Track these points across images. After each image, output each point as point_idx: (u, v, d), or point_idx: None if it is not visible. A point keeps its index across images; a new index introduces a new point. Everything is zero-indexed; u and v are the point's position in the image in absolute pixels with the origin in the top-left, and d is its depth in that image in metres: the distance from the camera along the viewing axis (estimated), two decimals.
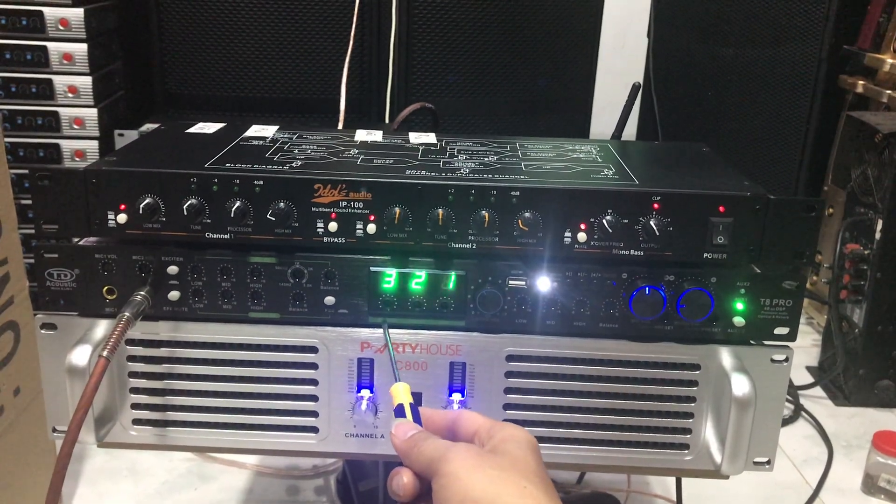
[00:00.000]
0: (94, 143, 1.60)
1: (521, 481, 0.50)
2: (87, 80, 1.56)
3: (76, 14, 1.53)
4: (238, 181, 0.68)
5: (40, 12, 1.52)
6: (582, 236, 0.68)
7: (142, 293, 0.68)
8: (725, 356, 0.70)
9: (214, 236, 0.69)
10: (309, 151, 0.77)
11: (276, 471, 1.35)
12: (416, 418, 0.59)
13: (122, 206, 0.68)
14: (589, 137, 1.89)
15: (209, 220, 0.68)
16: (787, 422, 1.58)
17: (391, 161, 0.75)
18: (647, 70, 1.97)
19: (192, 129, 0.85)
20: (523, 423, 0.72)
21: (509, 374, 0.71)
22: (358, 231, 0.69)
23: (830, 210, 1.88)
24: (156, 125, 0.98)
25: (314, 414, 0.72)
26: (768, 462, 0.72)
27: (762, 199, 0.68)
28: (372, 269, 0.69)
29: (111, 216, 0.68)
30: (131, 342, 0.70)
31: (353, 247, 0.69)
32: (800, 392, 1.66)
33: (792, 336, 0.71)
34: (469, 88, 1.64)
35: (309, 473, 1.35)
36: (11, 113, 1.56)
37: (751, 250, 0.69)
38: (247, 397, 0.72)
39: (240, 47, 1.57)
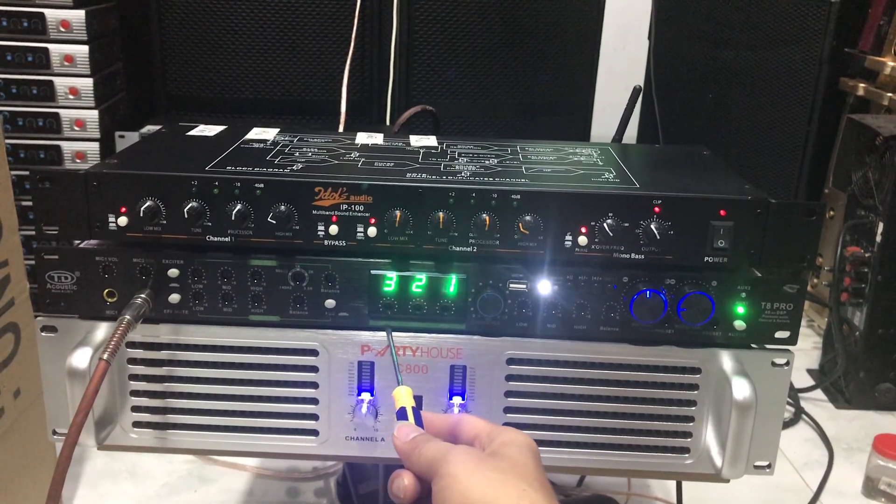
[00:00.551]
0: (95, 145, 1.60)
1: (520, 484, 0.50)
2: (89, 81, 1.57)
3: (77, 16, 1.53)
4: (239, 184, 0.68)
5: (41, 14, 1.52)
6: (583, 240, 0.68)
7: (142, 296, 0.68)
8: (726, 360, 0.70)
9: (215, 239, 0.69)
10: (310, 154, 0.77)
11: (277, 473, 1.35)
12: (418, 421, 0.59)
13: (123, 209, 0.68)
14: (590, 139, 1.89)
15: (210, 223, 0.68)
16: (787, 424, 1.58)
17: (392, 164, 0.75)
18: (647, 72, 1.97)
19: (193, 132, 0.85)
20: (523, 426, 0.72)
21: (510, 378, 0.71)
22: (359, 234, 0.69)
23: (831, 213, 1.88)
24: (157, 127, 0.99)
25: (314, 417, 0.72)
26: (769, 466, 0.72)
27: (763, 203, 0.68)
28: (372, 272, 0.69)
29: (112, 219, 0.68)
30: (132, 345, 0.70)
31: (353, 250, 0.69)
32: (800, 395, 1.66)
33: (793, 340, 0.70)
34: (470, 90, 1.64)
35: (309, 476, 1.35)
36: (12, 114, 1.56)
37: (751, 254, 0.69)
38: (247, 400, 0.72)
39: (241, 49, 1.57)
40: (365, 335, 0.70)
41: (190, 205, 0.67)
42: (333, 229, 0.68)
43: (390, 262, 0.69)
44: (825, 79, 1.75)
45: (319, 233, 0.69)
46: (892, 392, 1.64)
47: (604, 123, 1.73)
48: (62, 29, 1.53)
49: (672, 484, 1.13)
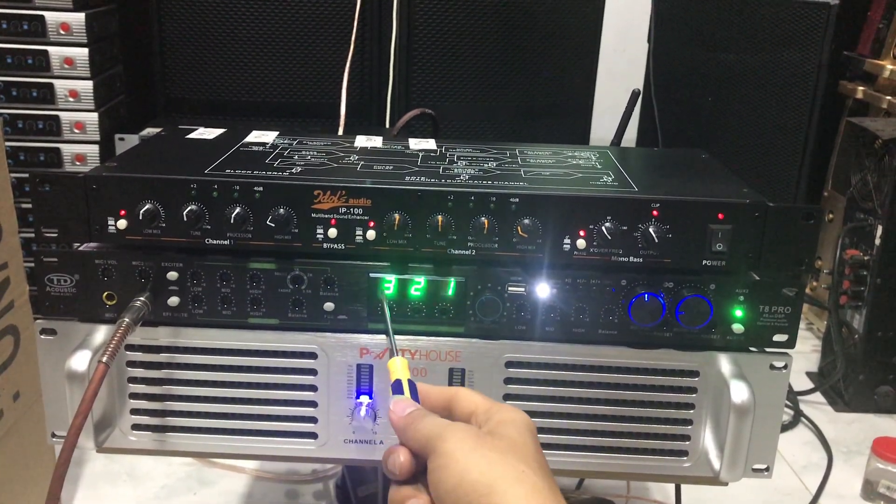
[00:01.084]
0: (95, 148, 1.60)
1: (518, 465, 0.49)
2: (88, 84, 1.57)
3: (77, 18, 1.53)
4: (238, 187, 0.68)
5: (41, 17, 1.52)
6: (581, 243, 0.68)
7: (141, 299, 0.68)
8: (724, 363, 0.70)
9: (214, 242, 0.69)
10: (309, 157, 0.77)
11: (276, 475, 1.35)
12: (414, 395, 0.58)
13: (122, 212, 0.68)
14: (589, 142, 1.89)
15: (209, 226, 0.68)
16: (786, 427, 1.58)
17: (391, 167, 0.75)
18: (647, 75, 1.97)
19: (192, 135, 0.86)
20: None
21: (508, 381, 0.71)
22: (357, 237, 0.69)
23: (830, 216, 1.88)
24: (156, 129, 0.99)
25: (313, 420, 0.72)
26: (767, 469, 0.72)
27: (761, 206, 0.68)
28: (371, 275, 0.69)
29: (111, 222, 0.68)
30: (131, 348, 0.70)
31: (352, 253, 0.69)
32: (799, 398, 1.66)
33: (791, 343, 0.71)
34: (469, 93, 1.64)
35: (308, 478, 1.35)
36: (12, 117, 1.56)
37: (750, 257, 0.69)
38: (246, 403, 0.72)
39: (240, 52, 1.57)
40: (364, 338, 0.70)
41: (189, 208, 0.67)
42: (332, 232, 0.68)
43: (389, 266, 0.70)
44: (824, 82, 1.75)
45: (318, 236, 0.69)
46: (891, 395, 1.64)
47: (603, 126, 1.74)
48: (62, 31, 1.53)
49: (671, 487, 1.14)
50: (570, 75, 1.75)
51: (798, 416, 1.60)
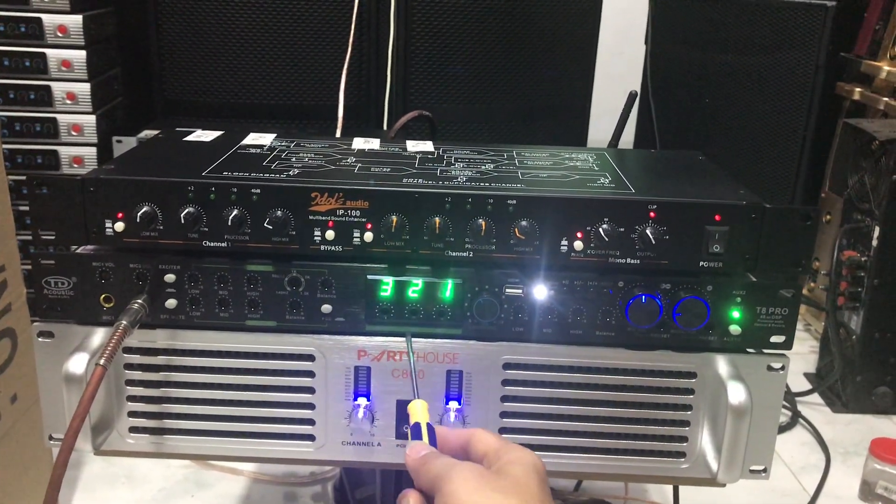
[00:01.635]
0: (93, 150, 1.60)
1: None
2: (86, 86, 1.57)
3: (75, 21, 1.53)
4: (235, 190, 0.68)
5: (39, 19, 1.52)
6: (578, 245, 0.68)
7: (139, 301, 0.68)
8: (721, 364, 0.70)
9: (211, 245, 0.69)
10: (306, 160, 0.77)
11: (274, 478, 1.35)
12: (432, 438, 0.59)
13: (120, 215, 0.68)
14: (586, 144, 1.89)
15: (206, 229, 0.68)
16: (784, 429, 1.58)
17: (388, 169, 0.75)
18: (644, 77, 1.98)
19: (189, 137, 0.86)
20: (520, 430, 0.72)
21: (506, 383, 0.71)
22: (355, 239, 0.69)
23: (828, 217, 1.88)
24: (154, 132, 0.99)
25: (311, 422, 0.72)
26: (764, 470, 0.72)
27: (758, 207, 0.68)
28: (369, 277, 0.69)
29: (109, 224, 0.68)
30: (128, 350, 0.70)
31: (350, 255, 0.69)
32: (797, 399, 1.66)
33: (788, 344, 0.71)
34: (467, 95, 1.64)
35: (306, 480, 1.35)
36: (10, 119, 1.56)
37: (747, 259, 0.69)
38: (244, 405, 0.72)
39: (238, 54, 1.57)
40: (361, 340, 0.70)
41: (186, 210, 0.67)
42: (330, 234, 0.68)
43: (386, 268, 0.70)
44: (821, 83, 1.75)
45: (316, 238, 0.69)
46: (889, 396, 1.64)
47: (601, 128, 1.74)
48: (59, 34, 1.53)
49: (669, 488, 1.14)
50: (567, 77, 1.76)
51: (796, 417, 1.60)
